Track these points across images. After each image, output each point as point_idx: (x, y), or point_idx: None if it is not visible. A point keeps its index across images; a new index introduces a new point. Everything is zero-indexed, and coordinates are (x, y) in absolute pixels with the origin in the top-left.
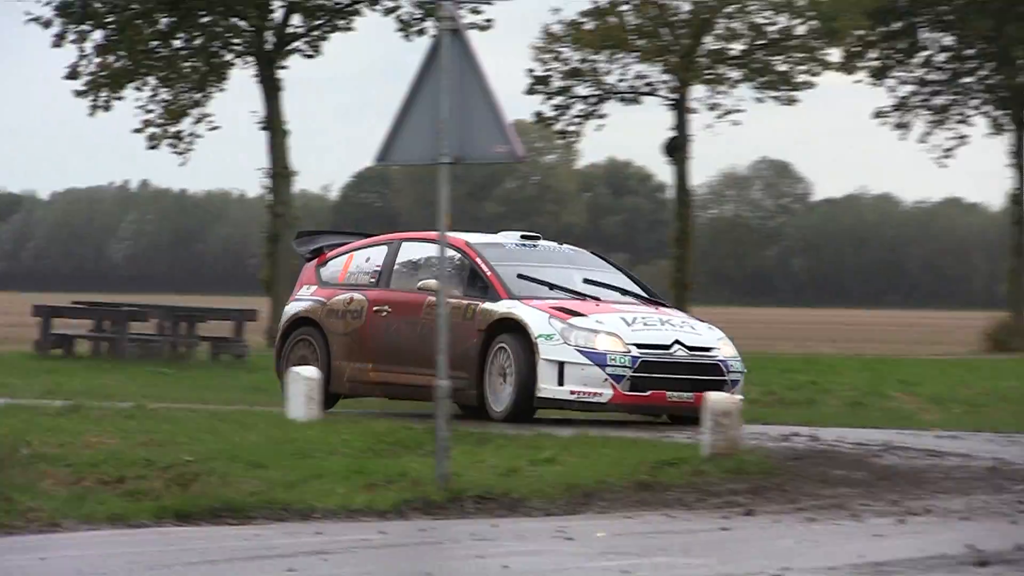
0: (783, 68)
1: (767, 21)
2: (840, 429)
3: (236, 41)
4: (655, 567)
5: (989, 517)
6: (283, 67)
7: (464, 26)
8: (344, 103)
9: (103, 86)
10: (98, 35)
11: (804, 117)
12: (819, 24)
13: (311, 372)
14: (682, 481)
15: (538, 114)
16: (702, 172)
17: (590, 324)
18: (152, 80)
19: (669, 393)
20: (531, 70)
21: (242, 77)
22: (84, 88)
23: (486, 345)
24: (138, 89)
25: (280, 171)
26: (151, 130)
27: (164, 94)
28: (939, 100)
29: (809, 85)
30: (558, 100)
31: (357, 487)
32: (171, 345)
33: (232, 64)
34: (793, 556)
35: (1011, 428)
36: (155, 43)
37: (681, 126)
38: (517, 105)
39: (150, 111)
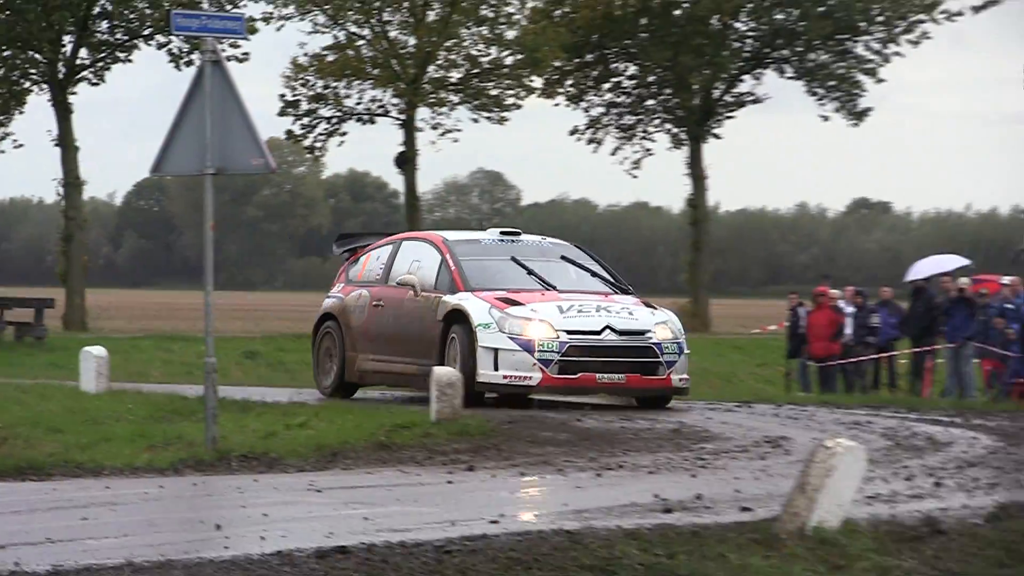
0: (495, 93)
1: (481, 53)
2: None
3: (33, 71)
4: (390, 515)
5: (672, 471)
6: (73, 93)
7: (224, 58)
8: (126, 122)
9: None
10: None
11: (514, 133)
12: (524, 56)
13: (99, 351)
14: (413, 442)
15: (289, 132)
16: (428, 181)
17: (524, 312)
18: None
19: (599, 375)
20: (282, 95)
21: (39, 101)
22: None
23: (444, 334)
24: None
25: (72, 181)
26: None
27: None
28: (627, 120)
29: (517, 107)
30: (305, 120)
31: (140, 448)
32: None
33: (30, 91)
34: (507, 505)
35: (693, 398)
36: None
37: (409, 142)
38: (271, 125)
39: None
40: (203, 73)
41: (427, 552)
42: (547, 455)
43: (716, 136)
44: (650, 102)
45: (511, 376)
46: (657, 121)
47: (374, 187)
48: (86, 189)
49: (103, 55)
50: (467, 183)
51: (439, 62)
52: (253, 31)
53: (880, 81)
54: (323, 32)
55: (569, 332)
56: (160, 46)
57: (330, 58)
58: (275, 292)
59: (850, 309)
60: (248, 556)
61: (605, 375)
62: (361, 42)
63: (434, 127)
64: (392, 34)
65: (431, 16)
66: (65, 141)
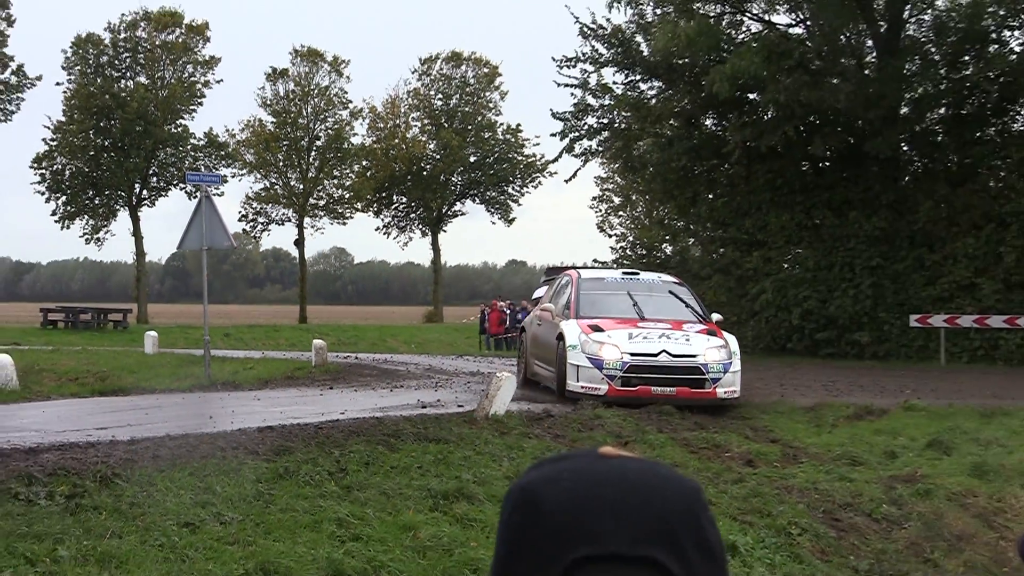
0: (340, 210)
1: (335, 190)
2: (365, 354)
3: (118, 203)
4: (292, 410)
5: (427, 388)
6: (140, 210)
7: (211, 193)
8: (167, 224)
9: None
10: None
11: (352, 230)
12: (352, 193)
13: (153, 333)
14: (304, 375)
15: (244, 230)
16: (313, 250)
17: (601, 337)
18: None
19: (654, 388)
20: (243, 213)
21: (123, 215)
22: None
23: (558, 348)
24: None
25: (140, 252)
26: None
27: None
28: (404, 223)
29: (351, 217)
30: (252, 222)
31: (173, 379)
32: None
33: (117, 210)
34: (349, 404)
35: (432, 353)
36: None
37: (300, 233)
38: (235, 224)
39: None
40: (201, 200)
41: (310, 427)
42: (368, 381)
43: (444, 230)
44: (412, 215)
45: (587, 386)
46: (416, 223)
47: (285, 255)
48: (147, 256)
49: (153, 194)
50: (327, 253)
51: (313, 198)
52: (224, 181)
53: (520, 204)
54: (259, 181)
55: (632, 354)
56: (182, 187)
57: (263, 194)
58: (238, 304)
59: (508, 310)
60: (224, 430)
61: (658, 388)
62: (277, 186)
63: (313, 227)
64: (292, 182)
65: (311, 174)
66: (136, 235)
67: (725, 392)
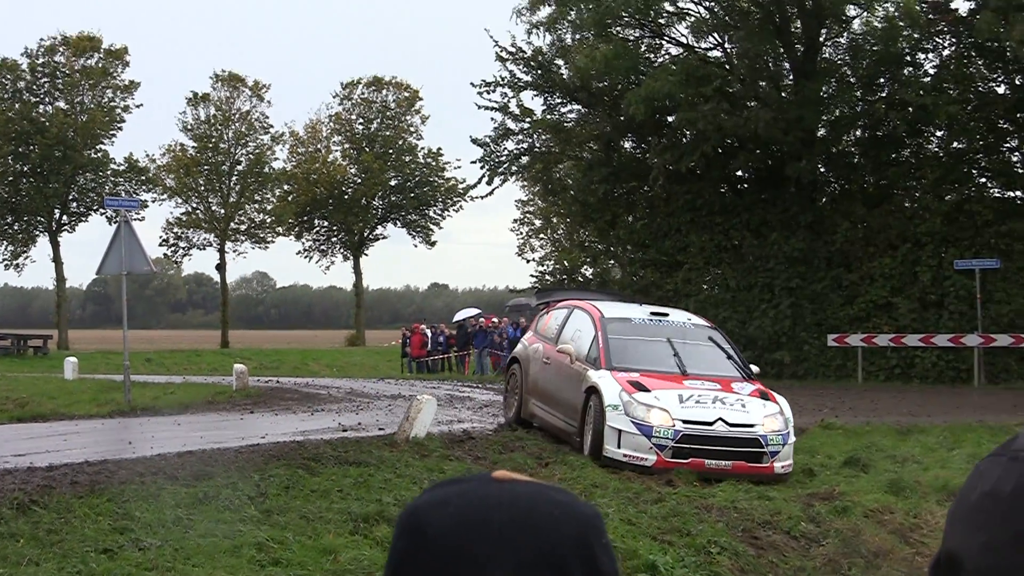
0: (263, 235)
1: (255, 215)
2: (287, 378)
3: (38, 229)
4: (212, 434)
5: (348, 412)
6: (60, 235)
7: (129, 219)
8: (88, 251)
9: None
10: None
11: (274, 254)
12: (273, 218)
13: (73, 359)
14: (225, 400)
15: (165, 254)
16: (236, 275)
17: (648, 400)
18: None
19: (708, 461)
20: (164, 238)
21: (43, 241)
22: None
23: (586, 403)
24: None
25: (61, 278)
26: None
27: None
28: (332, 246)
29: (272, 241)
30: (174, 247)
31: (93, 405)
32: None
33: (36, 236)
34: (269, 428)
35: (353, 376)
36: None
37: (222, 258)
38: (156, 249)
39: None
40: (120, 225)
41: (230, 451)
42: (289, 405)
43: (366, 254)
44: (333, 239)
45: (630, 455)
46: (338, 247)
47: (207, 280)
48: (68, 282)
49: (73, 219)
50: (249, 278)
51: (234, 222)
52: (144, 206)
53: (441, 228)
54: (180, 205)
55: (685, 422)
56: (102, 213)
57: (184, 218)
58: (161, 330)
59: (429, 333)
60: (143, 456)
61: (713, 461)
62: (199, 210)
63: (235, 251)
64: (213, 207)
65: (232, 199)
66: (56, 260)
67: (782, 467)
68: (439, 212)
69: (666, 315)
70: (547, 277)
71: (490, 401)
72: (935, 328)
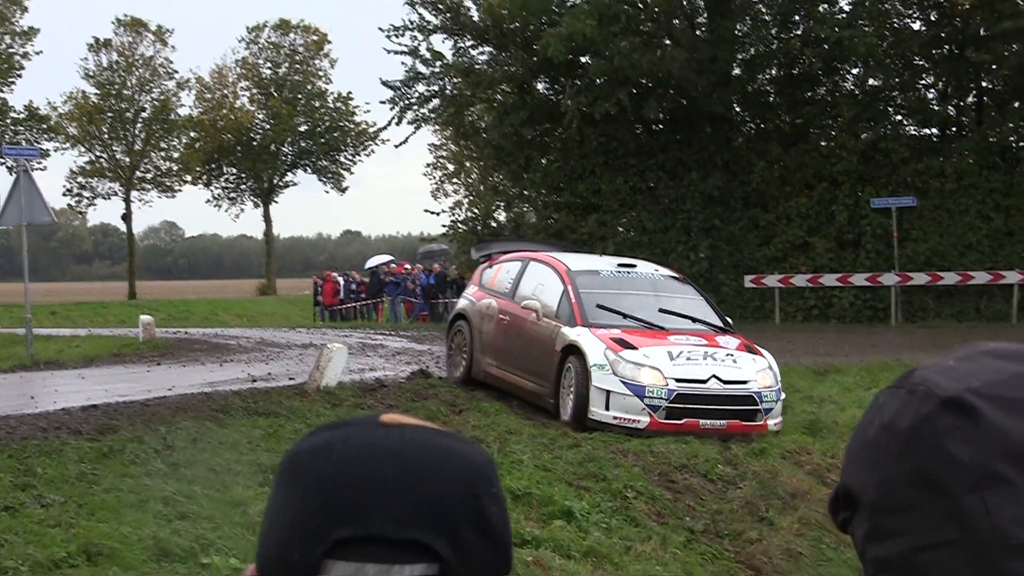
0: (169, 184)
1: (162, 163)
2: (196, 328)
3: None
4: (118, 388)
5: (258, 362)
6: None
7: (29, 168)
8: None
9: None
10: None
11: (181, 201)
12: (180, 165)
13: None
14: (131, 352)
15: (69, 205)
16: (143, 225)
17: (637, 358)
18: None
19: (702, 421)
20: (68, 188)
21: None
22: None
23: (562, 363)
24: None
25: None
26: None
27: None
28: (232, 195)
29: (179, 189)
30: (78, 196)
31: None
32: None
33: None
34: (177, 380)
35: (268, 325)
36: None
37: (128, 207)
38: (60, 200)
39: None
40: (19, 175)
41: (136, 404)
42: (197, 356)
43: (276, 201)
44: (243, 187)
45: (621, 417)
46: (247, 194)
47: (113, 230)
48: None
49: None
50: (157, 228)
51: (140, 171)
52: (45, 155)
53: (352, 173)
54: (84, 154)
55: (678, 380)
56: (1, 162)
57: (88, 168)
58: (66, 282)
59: (341, 281)
60: (47, 411)
61: (708, 421)
62: (103, 159)
63: (141, 200)
64: (118, 156)
65: (137, 147)
66: None
67: (775, 424)
68: (350, 157)
69: (634, 266)
70: (459, 224)
71: (403, 349)
72: (852, 268)
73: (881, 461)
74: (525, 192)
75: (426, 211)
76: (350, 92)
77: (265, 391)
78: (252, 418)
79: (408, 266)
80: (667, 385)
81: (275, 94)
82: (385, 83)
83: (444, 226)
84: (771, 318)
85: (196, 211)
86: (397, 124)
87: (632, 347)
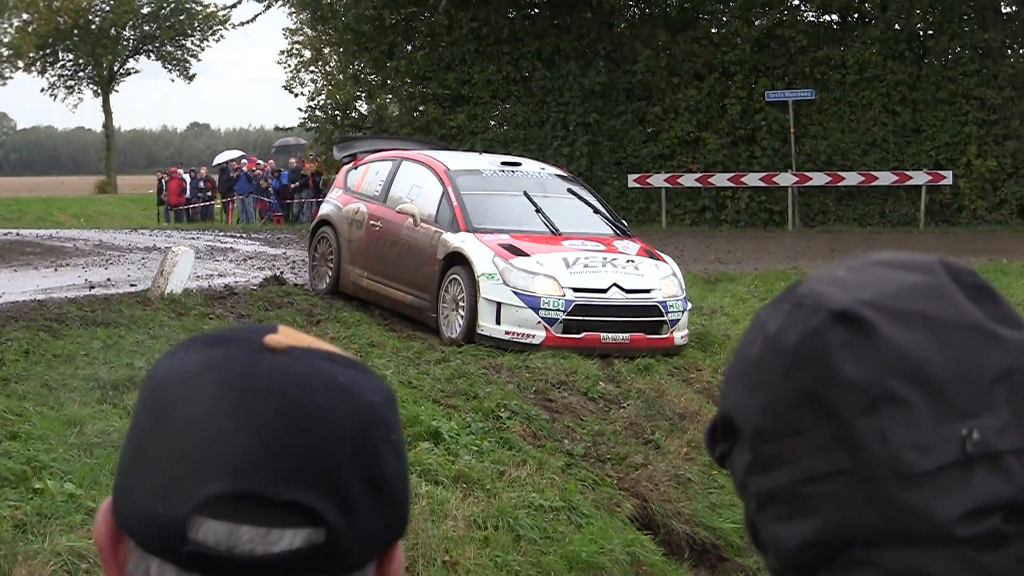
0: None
1: None
2: (28, 230)
3: None
4: None
5: (96, 267)
6: None
7: None
8: None
9: None
10: None
11: (13, 90)
12: (12, 51)
13: None
14: None
15: None
16: None
17: (529, 266)
18: None
19: (603, 335)
20: None
21: None
22: None
23: (443, 273)
24: None
25: None
26: None
27: None
28: (69, 83)
29: (11, 77)
30: None
31: None
32: None
33: None
34: (6, 286)
35: (107, 227)
36: None
37: None
38: None
39: None
40: None
41: None
42: (29, 260)
43: (117, 91)
44: (80, 74)
45: (514, 332)
46: (86, 83)
47: None
48: None
49: None
50: None
51: None
52: None
53: (200, 60)
54: None
55: (576, 290)
56: None
57: None
58: None
59: (188, 178)
60: None
61: (609, 335)
62: None
63: None
64: None
65: None
66: None
67: (682, 337)
68: (197, 43)
69: (518, 164)
70: (317, 112)
71: (255, 253)
72: (746, 167)
73: (764, 383)
74: (389, 82)
75: (283, 87)
76: None
77: (104, 299)
78: (90, 328)
79: (260, 162)
80: (564, 295)
81: None
82: None
83: (301, 117)
84: (657, 221)
85: (29, 101)
86: (247, 1)
87: (524, 254)
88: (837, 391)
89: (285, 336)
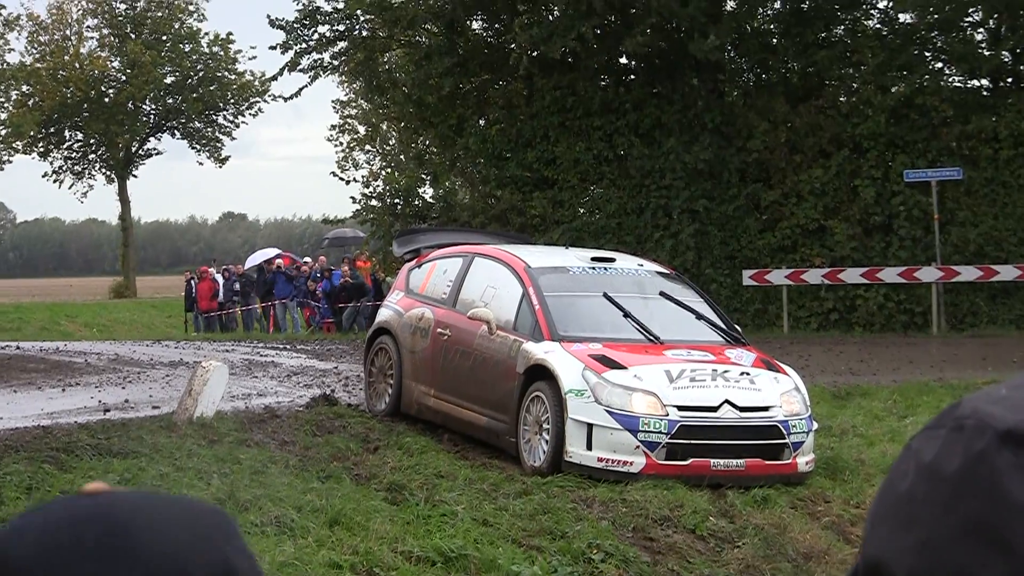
0: None
1: None
2: (31, 343)
3: None
4: None
5: (111, 385)
6: None
7: None
8: None
9: None
10: None
11: (10, 177)
12: (10, 129)
13: None
14: None
15: None
16: None
17: (626, 380)
18: None
19: (713, 461)
20: None
21: None
22: None
23: (524, 390)
24: None
25: None
26: None
27: None
28: (77, 167)
29: (9, 161)
30: None
31: None
32: None
33: None
34: (6, 410)
35: (126, 339)
36: None
37: None
38: None
39: None
40: None
41: None
42: (32, 378)
43: (135, 175)
44: (91, 156)
45: (608, 459)
46: (98, 166)
47: None
48: None
49: None
50: None
51: None
52: None
53: (234, 139)
54: None
55: (681, 408)
56: None
57: None
58: None
59: (221, 280)
60: None
61: (722, 461)
62: None
63: None
64: None
65: None
66: None
67: (807, 463)
68: (231, 118)
69: (612, 260)
70: (373, 201)
71: (301, 368)
72: (882, 260)
73: (921, 518)
74: (458, 163)
75: (332, 174)
76: (230, 33)
77: (121, 424)
78: (104, 459)
79: (302, 260)
80: (667, 415)
81: (132, 35)
82: (274, 22)
83: (354, 206)
84: (777, 325)
85: (31, 188)
86: (292, 70)
87: (619, 366)
88: (1010, 521)
89: (101, 485)
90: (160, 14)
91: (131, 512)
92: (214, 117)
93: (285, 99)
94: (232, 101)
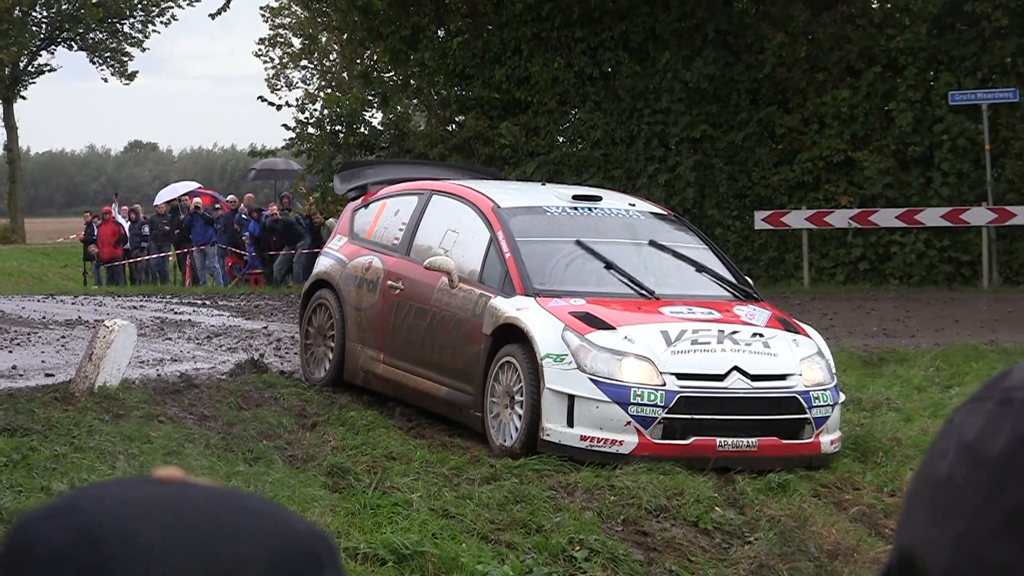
0: None
1: None
2: None
3: None
4: None
5: None
6: None
7: None
8: None
9: None
10: None
11: None
12: None
13: None
14: None
15: None
16: None
17: (614, 342)
18: None
19: (720, 440)
20: None
21: None
22: None
23: (492, 354)
24: None
25: None
26: None
27: None
28: None
29: None
30: None
31: None
32: None
33: None
34: None
35: (13, 292)
36: None
37: None
38: None
39: None
40: None
41: None
42: None
43: (23, 97)
44: None
45: (592, 437)
46: None
47: None
48: None
49: None
50: None
51: None
52: None
53: (144, 50)
54: None
55: (680, 377)
56: None
57: None
58: None
59: (126, 223)
60: None
61: (730, 440)
62: None
63: None
64: None
65: None
66: None
67: (832, 443)
68: (139, 26)
69: (597, 199)
70: (311, 128)
71: (223, 327)
72: (921, 200)
73: (960, 506)
74: (412, 82)
75: (260, 98)
76: None
77: (8, 395)
78: None
79: (223, 198)
80: (664, 385)
81: None
82: None
83: (288, 133)
84: (796, 277)
85: None
86: None
87: (606, 326)
88: None
89: (178, 473)
90: None
91: (203, 507)
92: (118, 25)
93: (211, 15)
94: (140, 5)
